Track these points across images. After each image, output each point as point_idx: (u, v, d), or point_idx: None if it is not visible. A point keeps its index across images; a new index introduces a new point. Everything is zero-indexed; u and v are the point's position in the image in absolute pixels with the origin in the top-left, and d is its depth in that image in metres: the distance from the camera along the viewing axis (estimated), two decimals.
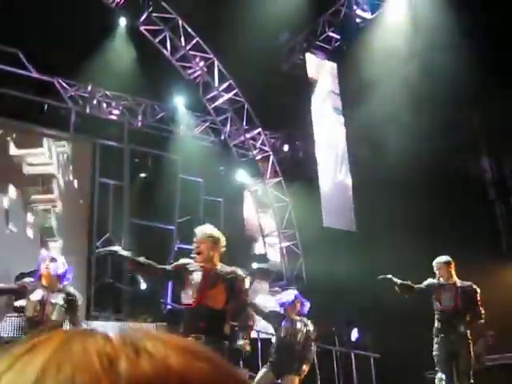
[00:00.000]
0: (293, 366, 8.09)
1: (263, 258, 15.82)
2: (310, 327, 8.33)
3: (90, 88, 13.60)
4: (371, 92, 14.69)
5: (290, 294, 8.44)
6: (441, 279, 7.86)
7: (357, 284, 13.63)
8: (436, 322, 7.77)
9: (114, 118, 14.23)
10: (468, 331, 7.56)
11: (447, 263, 7.90)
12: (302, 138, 16.47)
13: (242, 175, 15.93)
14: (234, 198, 15.67)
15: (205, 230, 5.86)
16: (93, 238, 12.60)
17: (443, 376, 7.55)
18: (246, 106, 15.42)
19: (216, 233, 5.83)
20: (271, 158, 15.90)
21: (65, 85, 13.48)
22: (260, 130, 15.68)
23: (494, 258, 14.16)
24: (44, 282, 6.28)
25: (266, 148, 15.90)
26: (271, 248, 15.94)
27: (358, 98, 15.16)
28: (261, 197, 16.11)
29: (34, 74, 12.81)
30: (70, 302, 6.36)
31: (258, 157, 15.95)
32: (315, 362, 12.65)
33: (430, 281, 7.98)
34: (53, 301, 6.24)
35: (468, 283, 7.85)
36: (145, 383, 0.37)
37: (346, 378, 12.83)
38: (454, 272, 7.92)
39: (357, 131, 15.21)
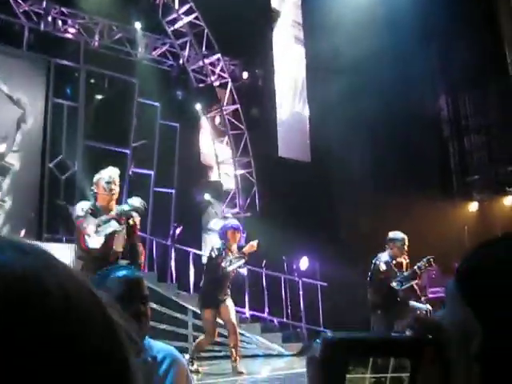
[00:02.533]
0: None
1: (217, 184, 15.88)
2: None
3: (44, 4, 13.13)
4: (334, 25, 14.58)
5: (233, 220, 8.89)
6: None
7: (309, 214, 13.85)
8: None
9: (69, 36, 13.83)
10: None
11: None
12: (261, 66, 16.32)
13: (200, 101, 15.79)
14: (191, 123, 15.55)
15: None
16: (45, 159, 12.45)
17: None
18: (205, 30, 15.14)
19: None
20: (229, 84, 15.75)
21: None
22: (219, 55, 15.47)
23: (445, 196, 14.50)
24: None
25: (225, 75, 15.74)
26: (226, 175, 16.00)
27: (320, 31, 15.03)
28: (217, 124, 16.04)
29: None
30: None
31: (216, 83, 15.79)
32: (264, 287, 12.99)
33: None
34: None
35: None
36: None
37: (293, 304, 13.20)
38: None
39: (317, 64, 15.14)
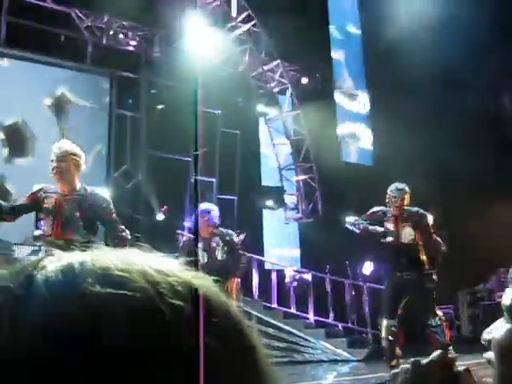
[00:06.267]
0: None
1: (279, 190, 15.90)
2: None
3: (106, 19, 13.46)
4: (392, 17, 14.48)
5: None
6: None
7: None
8: None
9: (130, 48, 14.11)
10: None
11: None
12: (321, 71, 16.29)
13: (260, 108, 15.85)
14: (251, 130, 15.63)
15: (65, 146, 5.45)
16: (110, 169, 12.74)
17: None
18: (264, 37, 15.20)
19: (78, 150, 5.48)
20: (289, 90, 15.78)
21: (81, 15, 13.33)
22: (279, 61, 15.50)
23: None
24: None
25: (285, 80, 15.76)
26: (287, 181, 16.00)
27: (379, 23, 14.92)
28: (278, 130, 16.07)
29: (51, 5, 12.67)
30: None
31: (276, 89, 15.83)
32: (328, 293, 12.93)
33: None
34: None
35: None
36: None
37: (357, 309, 13.09)
38: None
39: (377, 64, 15.02)
